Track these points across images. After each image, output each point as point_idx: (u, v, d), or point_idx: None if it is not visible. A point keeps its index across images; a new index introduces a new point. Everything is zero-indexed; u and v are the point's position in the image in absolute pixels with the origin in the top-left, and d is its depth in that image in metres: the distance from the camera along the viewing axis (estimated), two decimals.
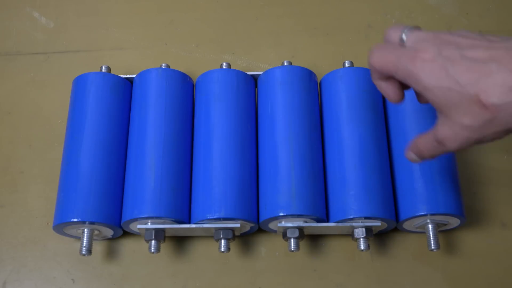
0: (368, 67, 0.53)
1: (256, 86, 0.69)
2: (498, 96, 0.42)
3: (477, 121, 0.44)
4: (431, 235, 0.60)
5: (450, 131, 0.46)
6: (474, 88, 0.43)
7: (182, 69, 0.69)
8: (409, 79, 0.47)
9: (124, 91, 0.68)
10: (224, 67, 0.68)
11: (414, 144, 0.52)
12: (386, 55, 0.48)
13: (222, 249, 0.60)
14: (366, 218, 0.59)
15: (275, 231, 0.64)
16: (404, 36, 0.48)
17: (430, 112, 0.63)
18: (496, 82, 0.42)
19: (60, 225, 0.61)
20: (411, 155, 0.52)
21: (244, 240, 0.66)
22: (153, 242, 0.61)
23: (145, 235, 0.61)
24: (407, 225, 0.63)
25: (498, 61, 0.43)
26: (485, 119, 0.43)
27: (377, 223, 0.60)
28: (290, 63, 0.68)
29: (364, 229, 0.60)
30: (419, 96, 0.53)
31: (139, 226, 0.61)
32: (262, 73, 0.68)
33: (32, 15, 0.80)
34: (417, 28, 0.49)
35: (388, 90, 0.52)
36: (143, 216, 0.60)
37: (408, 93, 0.65)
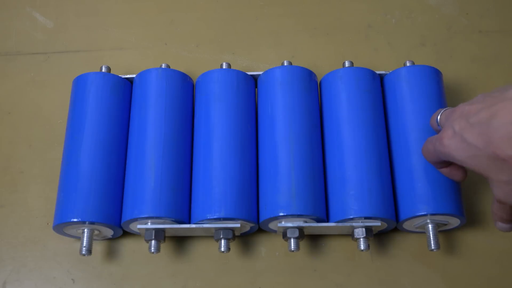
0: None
1: (256, 86, 0.69)
2: (509, 147, 0.46)
3: (509, 174, 0.47)
4: (431, 235, 0.60)
5: (500, 191, 0.49)
6: (490, 148, 0.47)
7: (182, 69, 0.69)
8: (449, 159, 0.53)
9: (124, 91, 0.68)
10: (224, 67, 0.68)
11: (493, 214, 0.55)
12: (427, 149, 0.56)
13: (222, 249, 0.60)
14: (366, 218, 0.59)
15: (275, 231, 0.64)
16: (438, 120, 0.56)
17: (430, 112, 0.63)
18: (502, 135, 0.46)
19: (60, 225, 0.61)
20: (499, 224, 0.55)
21: (244, 240, 0.66)
22: (153, 242, 0.61)
23: (145, 235, 0.61)
24: (407, 225, 0.63)
25: (497, 117, 0.47)
26: None
27: (377, 223, 0.60)
28: (290, 63, 0.68)
29: (364, 229, 0.60)
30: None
31: (139, 226, 0.61)
32: (262, 73, 0.67)
33: (32, 15, 0.80)
34: (446, 108, 0.56)
35: (452, 172, 0.58)
36: (143, 216, 0.60)
37: (408, 94, 0.65)
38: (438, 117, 0.57)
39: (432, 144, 0.55)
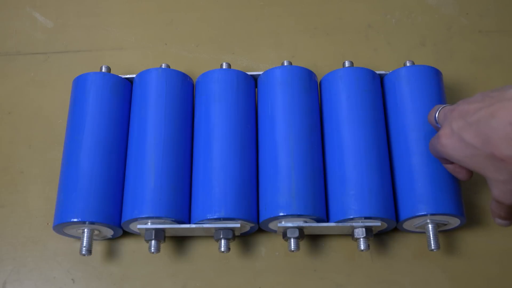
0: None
1: (256, 86, 0.69)
2: (507, 148, 0.46)
3: (506, 174, 0.47)
4: (431, 235, 0.60)
5: (498, 190, 0.50)
6: (488, 148, 0.47)
7: (182, 69, 0.69)
8: (448, 158, 0.53)
9: (124, 91, 0.68)
10: (224, 67, 0.68)
11: (491, 211, 0.55)
12: (431, 145, 0.57)
13: (222, 249, 0.60)
14: (366, 218, 0.59)
15: (275, 231, 0.64)
16: (436, 117, 0.56)
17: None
18: (501, 136, 0.46)
19: (60, 225, 0.61)
20: (497, 220, 0.55)
21: (244, 240, 0.66)
22: (153, 242, 0.61)
23: (145, 235, 0.61)
24: (407, 225, 0.63)
25: (496, 116, 0.47)
26: (510, 170, 0.47)
27: (377, 223, 0.60)
28: (290, 63, 0.68)
29: (364, 229, 0.60)
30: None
31: (139, 226, 0.61)
32: (262, 73, 0.67)
33: (32, 15, 0.80)
34: (445, 106, 0.56)
35: (456, 170, 0.58)
36: (143, 216, 0.60)
37: (408, 94, 0.65)
38: (436, 114, 0.57)
39: (433, 145, 0.56)
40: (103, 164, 0.62)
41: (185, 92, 0.67)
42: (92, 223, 0.60)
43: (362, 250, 0.60)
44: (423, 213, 0.60)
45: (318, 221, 0.61)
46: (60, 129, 0.71)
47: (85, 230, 0.61)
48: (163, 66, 0.68)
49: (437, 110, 0.57)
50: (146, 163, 0.62)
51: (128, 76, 0.69)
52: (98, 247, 0.66)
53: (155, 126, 0.63)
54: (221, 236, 0.60)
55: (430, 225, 0.61)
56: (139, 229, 0.61)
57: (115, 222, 0.62)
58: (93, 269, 0.65)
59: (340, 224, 0.60)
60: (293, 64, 0.68)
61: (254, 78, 0.69)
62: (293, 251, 0.60)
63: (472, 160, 0.49)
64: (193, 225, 0.61)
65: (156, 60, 0.76)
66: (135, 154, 0.63)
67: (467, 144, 0.49)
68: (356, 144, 0.62)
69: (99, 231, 0.63)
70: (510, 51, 0.75)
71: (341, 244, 0.65)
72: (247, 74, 0.68)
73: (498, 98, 0.48)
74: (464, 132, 0.49)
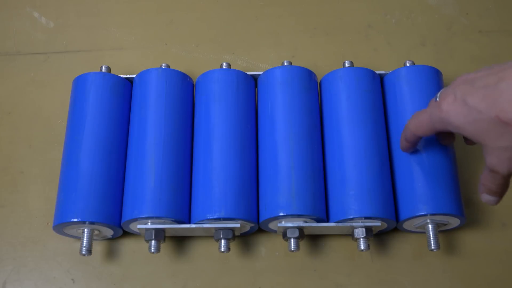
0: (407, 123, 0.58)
1: (256, 86, 0.69)
2: None
3: (508, 140, 0.46)
4: (431, 235, 0.60)
5: (494, 158, 0.48)
6: (493, 111, 0.46)
7: (182, 69, 0.69)
8: (445, 127, 0.51)
9: (124, 91, 0.68)
10: (224, 67, 0.68)
11: (481, 184, 0.53)
12: (420, 118, 0.55)
13: (222, 249, 0.60)
14: (366, 218, 0.59)
15: (275, 231, 0.64)
16: (438, 97, 0.53)
17: None
18: (508, 98, 0.45)
19: (60, 225, 0.61)
20: (485, 197, 0.54)
21: (244, 240, 0.66)
22: (153, 242, 0.61)
23: (145, 235, 0.61)
24: (407, 225, 0.63)
25: (506, 80, 0.46)
26: None
27: (377, 223, 0.60)
28: (290, 63, 0.68)
29: (364, 229, 0.60)
30: (465, 139, 0.57)
31: (139, 226, 0.61)
32: (262, 73, 0.68)
33: (32, 15, 0.80)
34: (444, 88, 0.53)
35: (414, 147, 0.60)
36: (143, 216, 0.60)
37: (408, 94, 0.65)
38: (438, 94, 0.54)
39: (426, 113, 0.53)
40: (103, 164, 0.62)
41: (185, 92, 0.67)
42: (92, 223, 0.60)
43: (362, 250, 0.60)
44: (423, 213, 0.60)
45: (318, 221, 0.61)
46: (60, 129, 0.71)
47: (85, 230, 0.61)
48: (163, 66, 0.68)
49: (438, 93, 0.55)
50: (146, 163, 0.62)
51: (128, 76, 0.69)
52: (98, 247, 0.66)
53: (155, 126, 0.63)
54: (221, 236, 0.60)
55: (430, 225, 0.61)
56: (139, 229, 0.61)
57: (115, 222, 0.62)
58: (93, 269, 0.65)
59: (340, 224, 0.60)
60: (293, 64, 0.68)
61: (254, 78, 0.69)
62: (293, 251, 0.60)
63: (474, 125, 0.48)
64: (193, 225, 0.61)
65: (156, 60, 0.76)
66: (135, 154, 0.63)
67: (471, 108, 0.47)
68: (356, 144, 0.62)
69: (99, 231, 0.63)
70: (510, 51, 0.75)
71: (341, 244, 0.65)
72: (247, 74, 0.68)
73: (508, 64, 0.47)
74: (469, 96, 0.48)
